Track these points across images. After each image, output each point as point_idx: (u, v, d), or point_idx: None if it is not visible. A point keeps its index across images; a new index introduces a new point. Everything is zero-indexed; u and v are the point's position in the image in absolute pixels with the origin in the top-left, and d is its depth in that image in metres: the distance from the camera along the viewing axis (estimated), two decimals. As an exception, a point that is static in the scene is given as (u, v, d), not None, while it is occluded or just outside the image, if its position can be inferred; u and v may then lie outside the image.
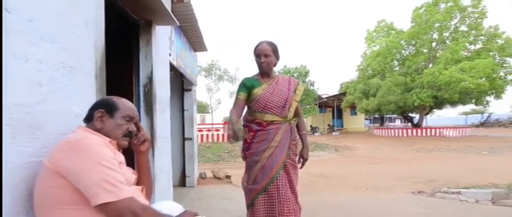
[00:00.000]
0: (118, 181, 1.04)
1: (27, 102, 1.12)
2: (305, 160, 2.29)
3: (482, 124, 30.47)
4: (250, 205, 2.18)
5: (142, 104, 2.61)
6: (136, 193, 1.22)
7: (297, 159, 2.27)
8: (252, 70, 2.31)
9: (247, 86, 2.22)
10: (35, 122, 1.15)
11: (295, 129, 2.30)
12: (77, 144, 1.08)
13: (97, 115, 1.22)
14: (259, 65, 2.21)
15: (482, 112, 32.07)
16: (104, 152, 1.08)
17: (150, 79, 2.64)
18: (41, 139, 1.17)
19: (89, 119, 1.25)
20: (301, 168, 2.29)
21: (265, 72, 2.24)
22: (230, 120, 2.15)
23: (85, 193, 1.02)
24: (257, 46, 2.22)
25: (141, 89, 2.62)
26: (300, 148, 2.34)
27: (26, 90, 1.12)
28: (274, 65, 2.27)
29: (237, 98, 2.24)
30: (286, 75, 2.40)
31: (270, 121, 2.17)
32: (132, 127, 1.30)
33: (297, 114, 2.30)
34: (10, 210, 1.04)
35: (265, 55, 2.18)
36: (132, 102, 2.54)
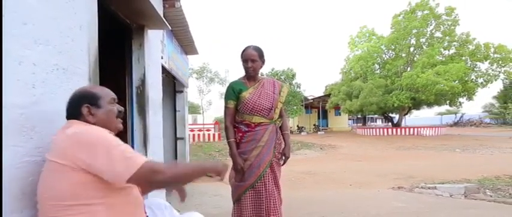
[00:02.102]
0: (132, 152, 1.06)
1: (21, 104, 1.09)
2: (287, 158, 2.33)
3: (456, 124, 31.34)
4: (237, 200, 2.20)
5: (135, 105, 2.58)
6: (132, 191, 1.21)
7: (280, 156, 2.32)
8: (241, 73, 2.32)
9: (235, 92, 2.23)
10: (29, 123, 1.13)
11: (279, 130, 2.34)
12: (83, 135, 1.06)
13: (85, 111, 1.15)
14: (246, 69, 2.23)
15: (455, 113, 32.98)
16: (107, 135, 1.09)
17: (143, 81, 2.61)
18: (34, 140, 1.15)
19: (74, 116, 1.16)
20: (282, 164, 2.34)
21: (251, 76, 2.26)
22: (230, 145, 2.21)
23: (110, 177, 1.02)
24: (244, 51, 2.23)
25: (134, 90, 2.59)
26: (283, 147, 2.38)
27: (19, 92, 1.09)
28: (260, 68, 2.29)
29: (227, 107, 2.25)
30: (270, 78, 2.43)
31: (258, 123, 2.20)
32: (120, 107, 1.27)
33: (280, 115, 2.33)
34: (3, 209, 1.01)
35: (252, 60, 2.19)
36: (126, 103, 2.51)
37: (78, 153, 1.02)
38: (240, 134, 2.22)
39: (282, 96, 2.30)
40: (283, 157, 2.32)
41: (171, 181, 1.10)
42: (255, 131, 2.19)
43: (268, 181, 2.17)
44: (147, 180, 1.05)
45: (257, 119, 2.19)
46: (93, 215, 1.03)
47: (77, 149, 1.03)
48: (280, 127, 2.34)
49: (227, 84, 2.38)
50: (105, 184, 1.05)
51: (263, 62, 2.27)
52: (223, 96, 2.33)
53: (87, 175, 1.02)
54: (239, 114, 2.24)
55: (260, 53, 2.23)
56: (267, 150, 2.18)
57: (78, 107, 1.16)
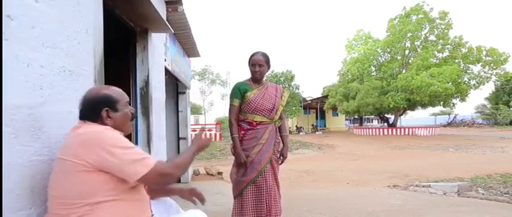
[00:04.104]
0: (142, 154, 1.09)
1: (29, 104, 1.10)
2: (285, 158, 2.41)
3: (449, 124, 31.34)
4: (239, 195, 2.24)
5: (139, 105, 2.58)
6: (140, 190, 1.21)
7: (279, 156, 2.38)
8: (242, 75, 2.37)
9: (241, 91, 2.30)
10: (37, 123, 1.13)
11: (278, 130, 2.41)
12: (95, 136, 1.06)
13: (105, 115, 1.16)
14: (253, 73, 2.31)
15: (449, 114, 33.02)
16: (119, 136, 1.10)
17: (147, 82, 2.62)
18: (42, 139, 1.15)
19: (92, 118, 1.15)
20: (281, 164, 2.41)
21: (257, 79, 2.34)
22: (234, 140, 2.24)
23: (122, 175, 1.04)
24: (252, 56, 2.32)
25: (138, 91, 2.60)
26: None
27: (28, 93, 1.10)
28: (266, 73, 2.38)
29: (232, 105, 2.32)
30: (273, 83, 2.53)
31: (259, 122, 2.26)
32: (132, 109, 1.28)
33: (280, 117, 2.42)
34: (12, 206, 1.01)
35: (259, 65, 2.28)
36: (130, 104, 2.52)
37: (90, 153, 1.02)
38: (243, 132, 2.28)
39: (283, 99, 2.40)
40: (282, 157, 2.39)
41: (177, 177, 1.14)
42: (256, 129, 2.25)
43: (269, 177, 2.23)
44: (155, 182, 1.09)
45: (259, 118, 2.26)
46: (99, 213, 1.03)
47: (89, 149, 1.03)
48: (279, 129, 2.41)
49: (229, 86, 2.44)
50: (115, 183, 1.05)
51: (268, 67, 2.37)
52: (229, 96, 2.40)
53: (98, 174, 1.03)
54: (242, 113, 2.30)
55: (267, 59, 2.34)
56: (267, 148, 2.25)
57: (98, 109, 1.15)
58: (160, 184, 1.15)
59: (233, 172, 2.32)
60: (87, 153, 1.02)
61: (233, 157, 2.34)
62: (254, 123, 2.25)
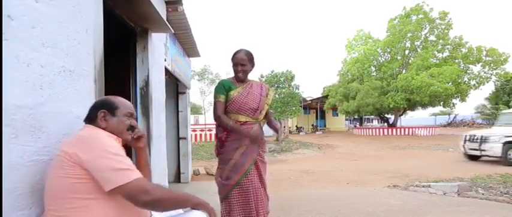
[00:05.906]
0: (127, 164, 1.06)
1: (29, 104, 1.10)
2: (277, 129, 2.35)
3: (449, 124, 31.32)
4: (225, 198, 2.19)
5: (139, 105, 2.58)
6: None
7: (265, 156, 2.32)
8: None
9: (225, 88, 2.22)
10: (37, 123, 1.13)
11: (263, 129, 2.33)
12: (88, 138, 1.10)
13: (100, 115, 1.21)
14: (236, 72, 2.23)
15: (449, 114, 33.01)
16: (111, 142, 1.12)
17: (147, 82, 2.62)
18: (42, 139, 1.15)
19: (91, 119, 1.23)
20: (276, 140, 2.34)
21: (240, 78, 2.26)
22: (234, 128, 2.13)
23: (99, 181, 1.03)
24: (235, 55, 2.24)
25: (138, 91, 2.60)
26: (271, 146, 2.37)
27: (28, 93, 1.10)
28: (250, 71, 2.30)
29: (218, 101, 2.22)
30: (258, 81, 2.44)
31: (244, 122, 2.18)
32: (134, 122, 1.31)
33: (266, 115, 2.34)
34: (12, 206, 1.01)
35: (242, 64, 2.20)
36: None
37: (77, 151, 1.04)
38: (225, 133, 2.20)
39: (268, 98, 2.31)
40: (276, 134, 2.33)
41: (156, 203, 1.06)
42: None
43: (254, 178, 2.16)
44: (132, 196, 1.04)
45: (243, 118, 2.19)
46: (92, 210, 1.04)
47: (78, 147, 1.06)
48: (267, 118, 2.35)
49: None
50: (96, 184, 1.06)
51: (253, 65, 2.28)
52: (213, 93, 2.29)
53: (86, 171, 1.04)
54: (225, 112, 2.22)
55: (250, 57, 2.25)
56: (251, 149, 2.17)
57: (97, 111, 1.22)
58: (133, 200, 1.04)
59: (217, 175, 2.26)
60: (76, 150, 1.05)
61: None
62: (238, 123, 2.17)
